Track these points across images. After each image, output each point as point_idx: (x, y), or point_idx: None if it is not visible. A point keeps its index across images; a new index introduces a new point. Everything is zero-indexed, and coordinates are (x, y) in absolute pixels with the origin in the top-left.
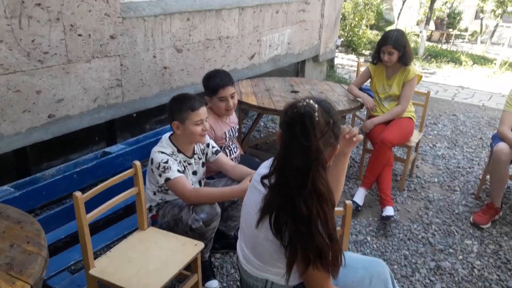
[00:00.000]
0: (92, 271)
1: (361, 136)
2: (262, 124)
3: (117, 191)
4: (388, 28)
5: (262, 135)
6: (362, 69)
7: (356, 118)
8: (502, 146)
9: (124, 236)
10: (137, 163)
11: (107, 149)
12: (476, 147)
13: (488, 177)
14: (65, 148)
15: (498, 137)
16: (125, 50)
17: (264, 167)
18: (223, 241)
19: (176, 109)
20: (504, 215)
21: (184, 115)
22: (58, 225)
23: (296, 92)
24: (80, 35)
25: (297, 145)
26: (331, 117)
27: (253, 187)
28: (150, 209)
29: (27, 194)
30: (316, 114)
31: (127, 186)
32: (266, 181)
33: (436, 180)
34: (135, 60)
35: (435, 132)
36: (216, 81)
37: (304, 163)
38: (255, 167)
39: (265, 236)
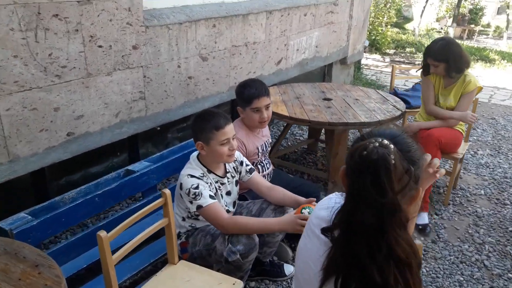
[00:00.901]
0: None
1: (443, 171)
2: (289, 131)
3: (144, 220)
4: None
5: (289, 143)
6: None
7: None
8: None
9: (151, 265)
10: (167, 191)
11: (131, 167)
12: None
13: None
14: (84, 162)
15: None
16: (148, 60)
17: (324, 208)
18: (258, 268)
19: (199, 128)
20: None
21: (208, 135)
22: (79, 252)
23: (329, 99)
24: (100, 46)
25: (368, 200)
26: (412, 160)
27: (310, 232)
28: (178, 235)
29: (46, 222)
30: (393, 158)
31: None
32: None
33: (482, 192)
34: (159, 70)
35: (475, 137)
36: (251, 91)
37: (377, 221)
38: (289, 184)
39: None
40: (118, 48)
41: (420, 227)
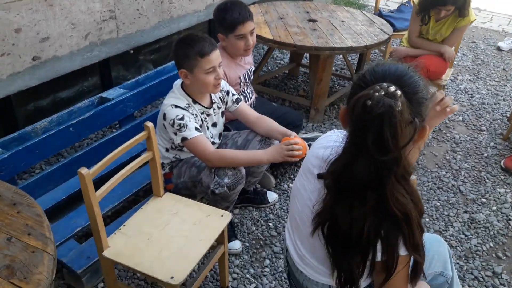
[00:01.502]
0: (106, 253)
1: (456, 107)
2: None
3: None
4: None
5: (269, 68)
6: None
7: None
8: None
9: (136, 195)
10: (150, 124)
11: (105, 94)
12: (499, 80)
13: None
14: (52, 87)
15: None
16: None
17: (323, 147)
18: (242, 196)
19: (182, 54)
20: None
21: (192, 62)
22: (56, 184)
23: (314, 21)
24: None
25: (367, 157)
26: (419, 102)
27: (308, 172)
28: (162, 166)
29: (18, 155)
30: (399, 108)
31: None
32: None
33: (460, 118)
34: None
35: (455, 62)
36: (234, 16)
37: (374, 178)
38: (273, 113)
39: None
40: None
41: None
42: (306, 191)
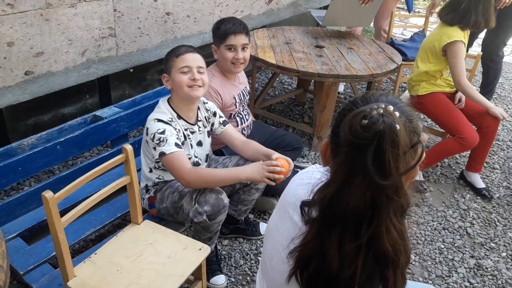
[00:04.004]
0: (71, 283)
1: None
2: (277, 79)
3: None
4: None
5: (276, 93)
6: (396, 20)
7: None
8: None
9: (120, 218)
10: (128, 147)
11: (99, 113)
12: None
13: None
14: (52, 103)
15: None
16: None
17: (304, 184)
18: (232, 226)
19: (165, 60)
20: None
21: (170, 64)
22: (39, 204)
23: (321, 47)
24: None
25: (364, 181)
26: (416, 132)
27: (283, 212)
28: (147, 189)
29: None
30: (399, 130)
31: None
32: (306, 210)
33: None
34: (132, 4)
35: None
36: (227, 26)
37: (370, 207)
38: (271, 135)
39: None
40: None
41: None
42: (279, 233)
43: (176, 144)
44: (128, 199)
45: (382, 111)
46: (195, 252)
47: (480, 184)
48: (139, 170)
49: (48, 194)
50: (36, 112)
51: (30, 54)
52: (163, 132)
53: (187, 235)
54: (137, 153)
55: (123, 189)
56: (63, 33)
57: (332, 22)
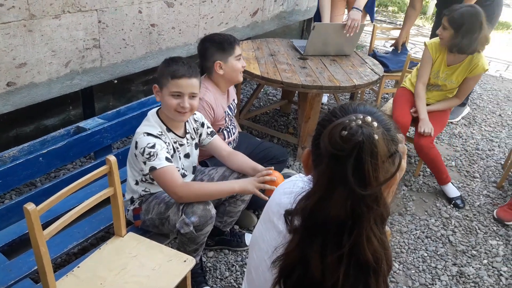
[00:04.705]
0: None
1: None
2: (262, 90)
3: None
4: None
5: (261, 104)
6: (378, 32)
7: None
8: None
9: (103, 231)
10: (112, 158)
11: (82, 124)
12: (495, 125)
13: None
14: (37, 113)
15: None
16: (103, 3)
17: (287, 193)
18: (217, 237)
19: (160, 70)
20: None
21: (163, 81)
22: (20, 217)
23: (305, 59)
24: None
25: (345, 191)
26: (393, 141)
27: (268, 221)
28: (132, 201)
29: None
30: (377, 140)
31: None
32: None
33: (453, 164)
34: (116, 15)
35: None
36: (230, 39)
37: (351, 217)
38: (257, 147)
39: None
40: None
41: (453, 201)
42: (264, 242)
43: (167, 158)
44: (111, 211)
45: (360, 122)
46: (180, 264)
47: (451, 193)
48: (123, 181)
49: (30, 206)
50: (18, 124)
51: (12, 65)
52: (153, 147)
53: (171, 247)
54: (121, 164)
55: (106, 201)
56: (47, 44)
57: (313, 51)
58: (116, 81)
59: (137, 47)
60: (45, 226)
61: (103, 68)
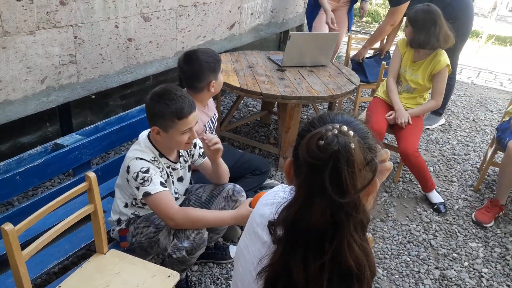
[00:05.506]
0: None
1: (390, 165)
2: (242, 101)
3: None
4: None
5: (241, 115)
6: (354, 43)
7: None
8: None
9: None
10: (91, 175)
11: (60, 141)
12: (469, 131)
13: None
14: (13, 131)
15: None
16: (79, 19)
17: (269, 204)
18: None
19: (158, 113)
20: (507, 211)
21: (168, 123)
22: None
23: (283, 70)
24: (19, 0)
25: (324, 200)
26: (370, 149)
27: (252, 232)
28: (118, 222)
29: None
30: (353, 149)
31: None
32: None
33: (432, 169)
34: (93, 31)
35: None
36: (216, 57)
37: (330, 224)
38: (239, 159)
39: None
40: (42, 3)
41: (435, 206)
42: (249, 254)
43: (161, 183)
44: (92, 228)
45: (336, 131)
46: (165, 280)
47: (434, 199)
48: (103, 198)
49: (7, 226)
50: None
51: None
52: (147, 171)
53: (155, 263)
54: (100, 180)
55: (87, 218)
56: (21, 61)
57: (290, 62)
58: (93, 96)
59: (114, 61)
60: (24, 246)
61: (80, 84)
